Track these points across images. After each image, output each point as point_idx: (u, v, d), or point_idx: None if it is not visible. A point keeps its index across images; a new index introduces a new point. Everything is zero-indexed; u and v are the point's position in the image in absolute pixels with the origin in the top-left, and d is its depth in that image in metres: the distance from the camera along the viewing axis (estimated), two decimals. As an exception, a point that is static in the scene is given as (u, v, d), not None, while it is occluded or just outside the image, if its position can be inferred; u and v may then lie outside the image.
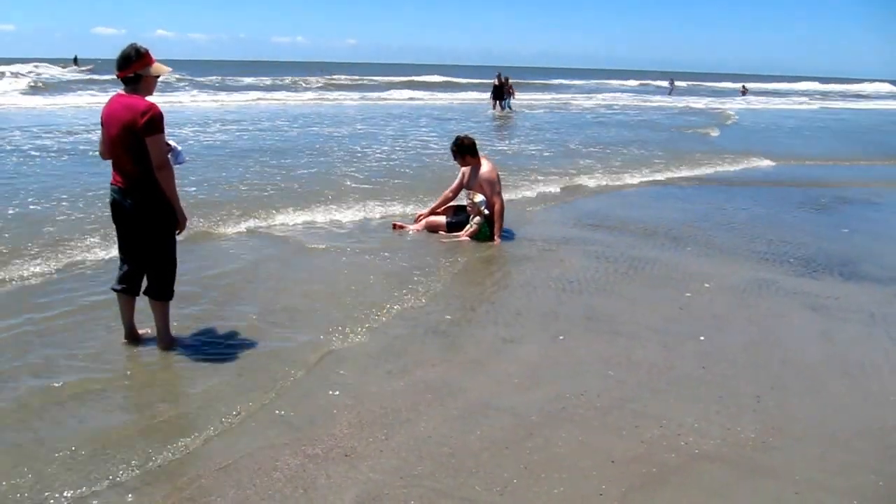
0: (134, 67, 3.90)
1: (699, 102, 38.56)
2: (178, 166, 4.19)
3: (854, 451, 3.34)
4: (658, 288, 5.70)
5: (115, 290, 4.21)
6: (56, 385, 3.68)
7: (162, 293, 4.17)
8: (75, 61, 41.29)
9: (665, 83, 52.42)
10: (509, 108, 26.53)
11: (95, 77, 37.31)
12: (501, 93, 26.38)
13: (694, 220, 8.34)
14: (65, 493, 2.80)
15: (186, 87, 34.43)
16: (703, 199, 10.07)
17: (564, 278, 5.83)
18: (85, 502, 2.76)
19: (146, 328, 4.34)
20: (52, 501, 2.76)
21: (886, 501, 2.97)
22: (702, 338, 4.67)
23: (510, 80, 26.98)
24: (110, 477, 2.92)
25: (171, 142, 4.16)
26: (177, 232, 4.14)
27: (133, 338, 4.27)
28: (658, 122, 24.75)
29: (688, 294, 5.55)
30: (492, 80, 27.31)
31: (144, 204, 3.96)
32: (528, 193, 9.86)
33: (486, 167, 7.11)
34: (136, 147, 3.86)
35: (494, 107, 26.26)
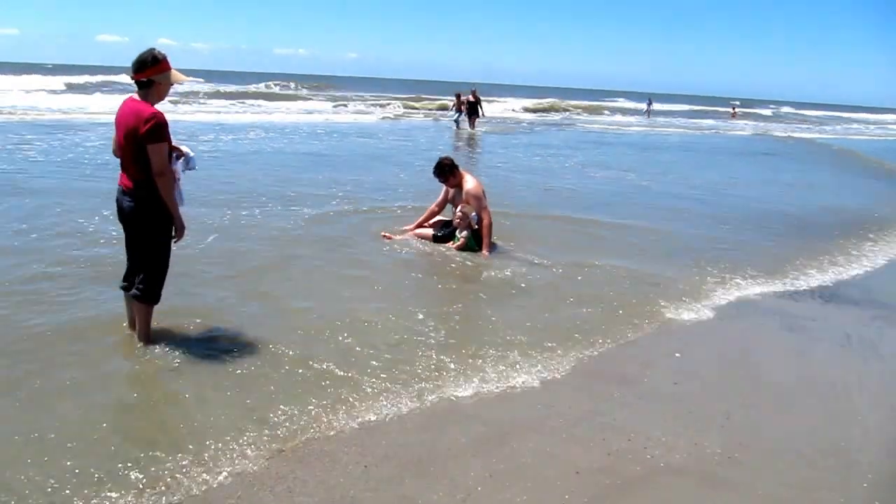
0: (148, 73, 3.94)
1: (744, 128, 37.11)
2: (189, 172, 4.28)
3: (818, 468, 3.39)
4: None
5: (120, 286, 4.33)
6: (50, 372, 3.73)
7: (147, 296, 4.20)
8: None
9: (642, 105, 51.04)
10: (457, 125, 24.53)
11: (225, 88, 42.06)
12: (476, 109, 24.29)
13: None
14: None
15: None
16: None
17: (550, 290, 5.88)
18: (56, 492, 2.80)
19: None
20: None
21: (845, 518, 3.01)
22: (677, 354, 4.73)
23: (462, 97, 24.83)
24: (88, 469, 2.96)
25: (184, 148, 4.23)
26: (174, 239, 4.20)
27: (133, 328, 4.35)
28: (795, 153, 23.35)
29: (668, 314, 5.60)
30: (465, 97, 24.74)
31: (141, 207, 4.02)
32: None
33: (471, 183, 7.18)
34: (138, 152, 3.91)
35: (472, 126, 23.96)
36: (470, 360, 4.36)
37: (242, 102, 33.82)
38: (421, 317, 5.06)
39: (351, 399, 3.75)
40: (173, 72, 4.02)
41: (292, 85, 53.67)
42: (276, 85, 52.17)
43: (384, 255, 6.81)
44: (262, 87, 49.49)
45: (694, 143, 25.74)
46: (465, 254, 6.88)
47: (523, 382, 4.13)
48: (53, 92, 32.58)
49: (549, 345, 4.69)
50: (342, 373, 4.07)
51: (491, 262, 6.67)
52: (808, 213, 10.82)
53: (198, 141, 15.64)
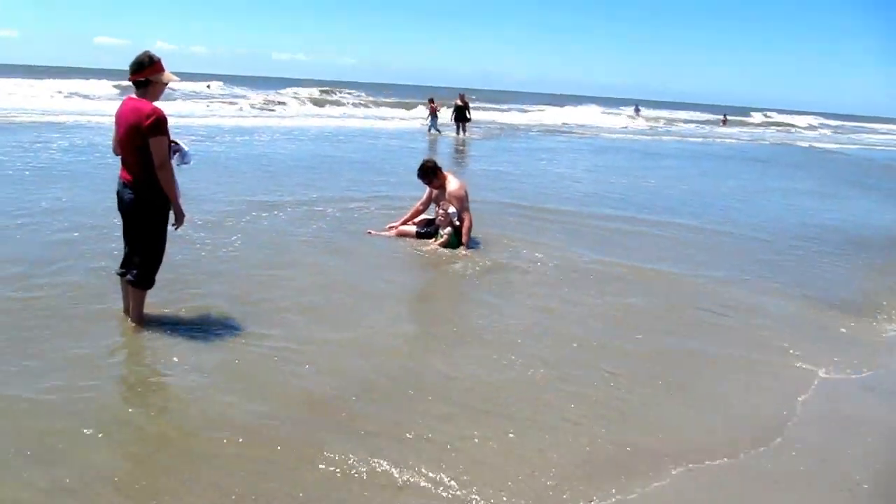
0: (146, 73, 4.29)
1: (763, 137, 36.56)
2: (184, 166, 4.60)
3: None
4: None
5: (117, 272, 4.66)
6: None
7: (140, 281, 4.53)
8: (208, 86, 44.99)
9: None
10: (436, 129, 24.10)
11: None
12: (464, 115, 23.62)
13: None
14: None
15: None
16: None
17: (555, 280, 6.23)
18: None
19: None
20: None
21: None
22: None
23: (435, 102, 25.24)
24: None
25: (181, 142, 4.57)
26: (175, 227, 4.53)
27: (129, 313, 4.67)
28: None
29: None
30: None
31: (140, 198, 4.36)
32: None
33: (454, 185, 7.48)
34: (139, 146, 4.24)
35: (458, 131, 23.48)
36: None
37: (267, 109, 34.14)
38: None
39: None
40: (166, 72, 4.37)
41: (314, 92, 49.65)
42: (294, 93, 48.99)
43: (369, 247, 7.15)
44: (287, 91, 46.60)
45: (699, 151, 25.66)
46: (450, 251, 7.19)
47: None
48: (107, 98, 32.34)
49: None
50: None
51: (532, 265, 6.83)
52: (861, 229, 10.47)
53: (222, 142, 16.27)
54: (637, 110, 48.94)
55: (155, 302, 4.80)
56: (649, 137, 32.82)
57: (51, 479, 2.92)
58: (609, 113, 49.28)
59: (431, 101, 25.31)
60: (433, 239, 7.45)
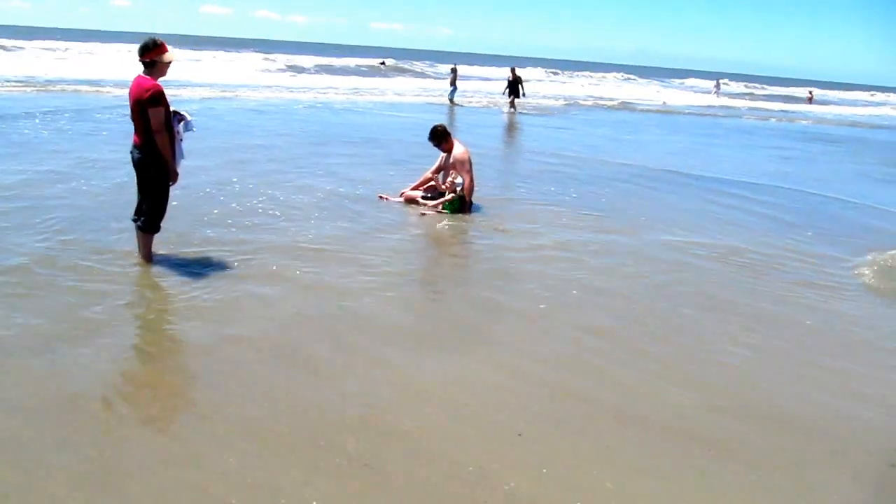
0: (150, 55, 5.10)
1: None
2: (188, 133, 5.41)
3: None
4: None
5: (132, 220, 5.55)
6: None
7: (148, 227, 5.42)
8: (383, 64, 46.88)
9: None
10: (451, 99, 25.00)
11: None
12: (517, 89, 23.30)
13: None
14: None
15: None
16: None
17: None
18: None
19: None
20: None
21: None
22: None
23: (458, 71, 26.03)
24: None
25: (185, 113, 5.36)
26: (171, 183, 5.36)
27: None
28: None
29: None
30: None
31: (145, 158, 5.21)
32: None
33: (459, 150, 8.05)
34: (143, 116, 5.08)
35: (512, 105, 23.35)
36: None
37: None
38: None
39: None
40: (168, 53, 5.12)
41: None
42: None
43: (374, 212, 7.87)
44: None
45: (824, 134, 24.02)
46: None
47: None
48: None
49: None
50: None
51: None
52: None
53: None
54: (718, 87, 46.15)
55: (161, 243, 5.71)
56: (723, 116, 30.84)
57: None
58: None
59: (454, 70, 25.73)
60: (438, 200, 8.03)
